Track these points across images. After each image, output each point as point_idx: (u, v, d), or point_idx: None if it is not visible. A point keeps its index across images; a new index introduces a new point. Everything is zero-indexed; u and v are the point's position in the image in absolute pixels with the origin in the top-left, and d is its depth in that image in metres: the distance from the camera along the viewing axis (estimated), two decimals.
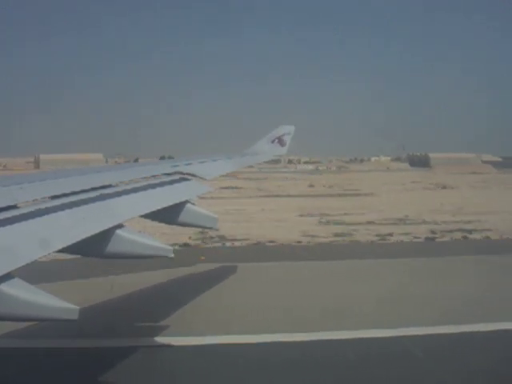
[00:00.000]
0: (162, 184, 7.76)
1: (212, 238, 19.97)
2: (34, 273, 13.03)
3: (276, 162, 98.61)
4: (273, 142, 13.59)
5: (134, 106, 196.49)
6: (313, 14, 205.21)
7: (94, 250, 5.81)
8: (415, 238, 19.20)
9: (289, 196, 40.74)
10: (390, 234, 19.86)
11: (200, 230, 21.51)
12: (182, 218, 7.52)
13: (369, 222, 23.55)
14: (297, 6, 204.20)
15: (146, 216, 6.82)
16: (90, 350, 8.87)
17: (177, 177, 8.27)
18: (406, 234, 19.94)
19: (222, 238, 19.84)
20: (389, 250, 16.91)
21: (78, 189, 6.10)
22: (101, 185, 6.57)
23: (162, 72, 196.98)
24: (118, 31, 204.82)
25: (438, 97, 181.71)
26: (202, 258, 15.74)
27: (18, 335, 8.75)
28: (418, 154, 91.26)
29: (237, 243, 18.84)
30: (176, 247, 18.36)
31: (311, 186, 51.64)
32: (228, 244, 18.78)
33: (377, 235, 19.88)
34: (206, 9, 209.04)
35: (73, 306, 4.43)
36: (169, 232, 20.92)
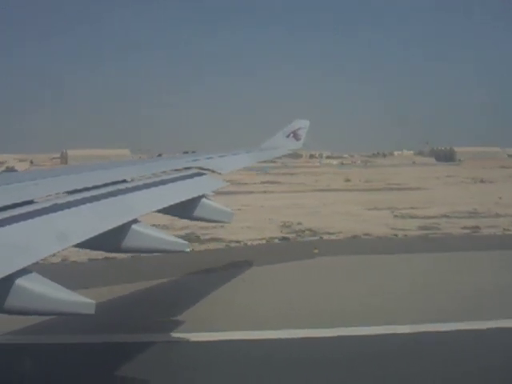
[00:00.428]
0: (176, 179, 7.86)
1: (302, 231, 20.45)
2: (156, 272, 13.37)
3: (297, 156, 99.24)
4: (288, 136, 13.84)
5: (159, 102, 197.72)
6: (332, 8, 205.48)
7: (109, 244, 5.91)
8: (505, 230, 19.69)
9: (334, 190, 40.94)
10: (477, 227, 20.25)
11: (283, 223, 22.30)
12: (198, 212, 7.68)
13: (443, 216, 23.96)
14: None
15: (162, 211, 6.92)
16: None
17: (192, 171, 8.43)
18: (492, 226, 20.34)
19: (312, 231, 20.28)
20: (497, 242, 17.30)
21: (92, 184, 6.17)
22: (115, 180, 6.66)
23: (188, 69, 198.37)
24: (138, 27, 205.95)
25: (458, 90, 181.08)
26: (316, 250, 16.21)
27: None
28: (443, 148, 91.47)
29: (332, 236, 19.26)
30: (276, 241, 18.99)
31: (347, 180, 51.83)
32: (325, 237, 19.20)
33: (463, 228, 20.32)
34: (222, 2, 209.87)
35: (89, 301, 4.42)
36: (254, 226, 21.61)
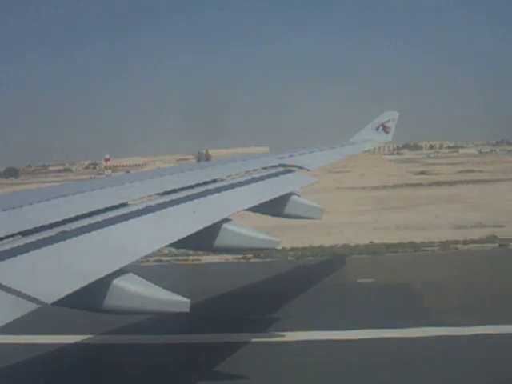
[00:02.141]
0: (266, 177, 7.92)
1: None
2: None
3: (416, 147, 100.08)
4: (377, 129, 13.54)
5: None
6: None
7: (202, 244, 6.02)
8: None
9: None
10: None
11: None
12: (288, 209, 7.70)
13: None
14: None
15: (251, 209, 6.90)
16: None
17: (280, 169, 8.49)
18: None
19: None
20: None
21: (183, 185, 6.32)
22: (205, 180, 6.79)
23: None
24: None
25: None
26: None
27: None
28: None
29: None
30: None
31: None
32: None
33: None
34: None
35: (184, 299, 4.48)
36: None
